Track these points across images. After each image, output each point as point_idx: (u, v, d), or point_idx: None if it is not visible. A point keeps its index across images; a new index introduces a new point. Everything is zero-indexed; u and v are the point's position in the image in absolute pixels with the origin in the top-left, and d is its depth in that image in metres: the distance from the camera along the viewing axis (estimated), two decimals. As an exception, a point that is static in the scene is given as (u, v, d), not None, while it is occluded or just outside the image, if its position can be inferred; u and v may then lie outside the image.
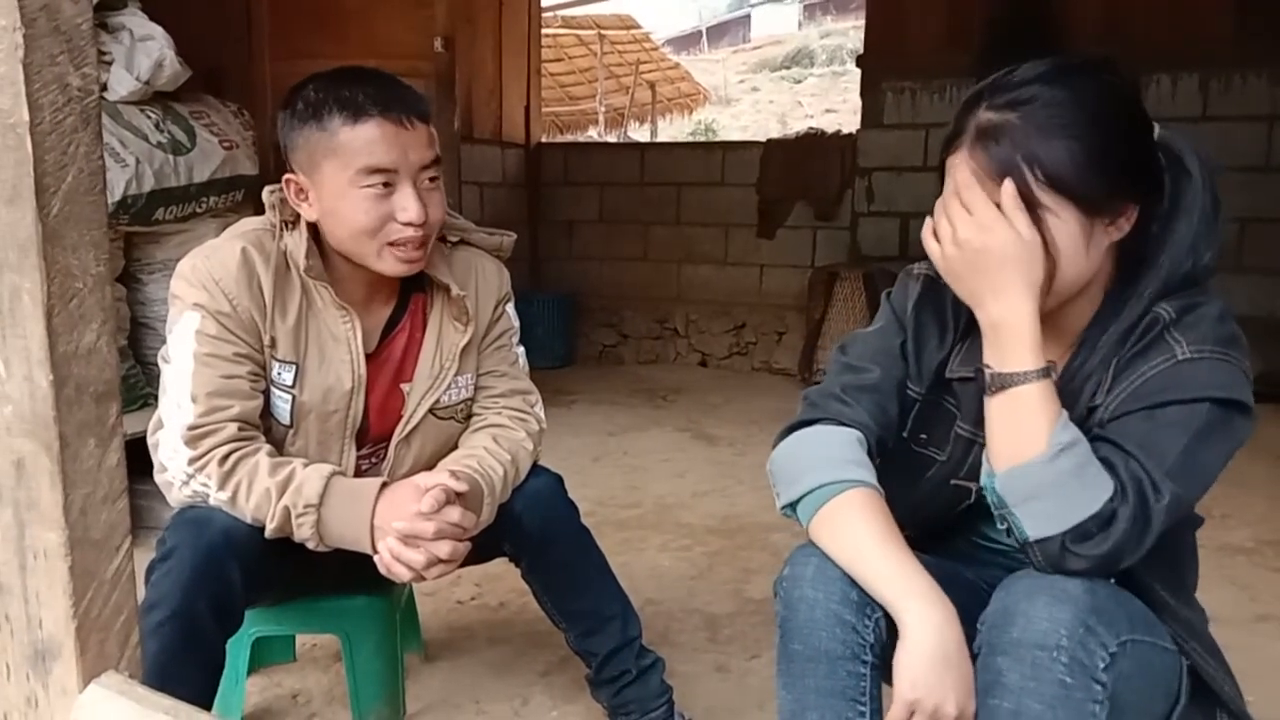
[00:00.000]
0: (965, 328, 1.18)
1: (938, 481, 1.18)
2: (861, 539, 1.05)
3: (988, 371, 1.03)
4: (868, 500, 1.08)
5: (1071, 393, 1.07)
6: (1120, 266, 1.09)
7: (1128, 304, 1.06)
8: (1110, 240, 1.05)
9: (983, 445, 1.14)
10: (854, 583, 1.05)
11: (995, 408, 1.02)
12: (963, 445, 1.17)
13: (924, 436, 1.20)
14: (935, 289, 1.19)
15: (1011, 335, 1.01)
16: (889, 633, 1.07)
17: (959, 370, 1.17)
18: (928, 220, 1.08)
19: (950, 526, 1.23)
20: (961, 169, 1.05)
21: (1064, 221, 1.01)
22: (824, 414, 1.17)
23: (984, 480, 1.04)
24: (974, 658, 1.01)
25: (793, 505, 1.12)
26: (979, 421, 1.14)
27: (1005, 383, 1.01)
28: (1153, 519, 0.96)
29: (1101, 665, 0.93)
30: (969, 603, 1.18)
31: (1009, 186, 0.99)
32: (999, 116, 1.01)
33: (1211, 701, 1.09)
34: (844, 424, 1.15)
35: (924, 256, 1.13)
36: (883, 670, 1.07)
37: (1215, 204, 1.06)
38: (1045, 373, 1.00)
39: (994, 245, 1.00)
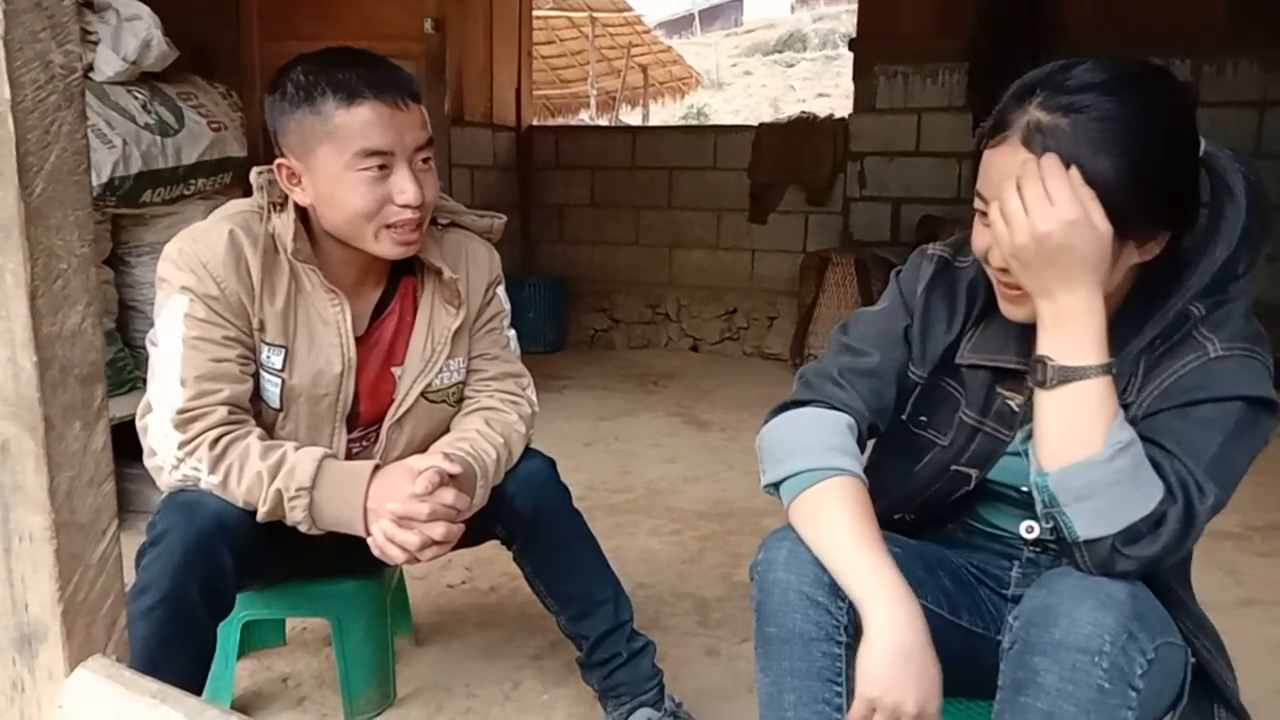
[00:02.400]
0: (978, 315, 1.16)
1: (938, 466, 1.17)
2: (836, 530, 1.04)
3: (1049, 365, 0.98)
4: (848, 490, 1.07)
5: None
6: (1148, 276, 1.06)
7: (1156, 314, 1.04)
8: (1135, 261, 1.02)
9: (987, 433, 1.14)
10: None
11: (1053, 402, 0.99)
12: (966, 432, 1.15)
13: (924, 419, 1.19)
14: (948, 271, 1.18)
15: (1080, 328, 0.97)
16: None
17: (969, 357, 1.15)
18: (995, 203, 1.01)
19: (946, 509, 1.23)
20: (1006, 162, 1.00)
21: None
22: (818, 396, 1.16)
23: (1034, 478, 1.00)
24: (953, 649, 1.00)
25: (776, 485, 1.12)
26: (984, 409, 1.14)
27: (1069, 376, 0.97)
28: (1197, 520, 0.95)
29: (1139, 672, 0.93)
30: (954, 589, 1.19)
31: (1077, 174, 0.95)
32: (1050, 119, 0.97)
33: (1210, 695, 1.09)
34: (836, 408, 1.14)
35: (915, 241, 1.12)
36: (857, 650, 1.08)
37: (1262, 224, 1.01)
38: (1108, 368, 0.97)
39: (1078, 243, 0.95)
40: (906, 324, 1.18)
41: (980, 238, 1.07)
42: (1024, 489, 1.15)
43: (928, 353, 1.17)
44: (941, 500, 1.20)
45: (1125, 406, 1.04)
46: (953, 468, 1.16)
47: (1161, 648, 0.95)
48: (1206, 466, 0.96)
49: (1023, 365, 1.12)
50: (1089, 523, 0.95)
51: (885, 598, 0.99)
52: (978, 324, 1.16)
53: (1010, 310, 1.08)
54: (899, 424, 1.20)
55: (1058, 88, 0.98)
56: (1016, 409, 1.13)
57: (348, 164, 1.33)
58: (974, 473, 1.15)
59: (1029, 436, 1.12)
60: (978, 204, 1.06)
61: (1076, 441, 0.96)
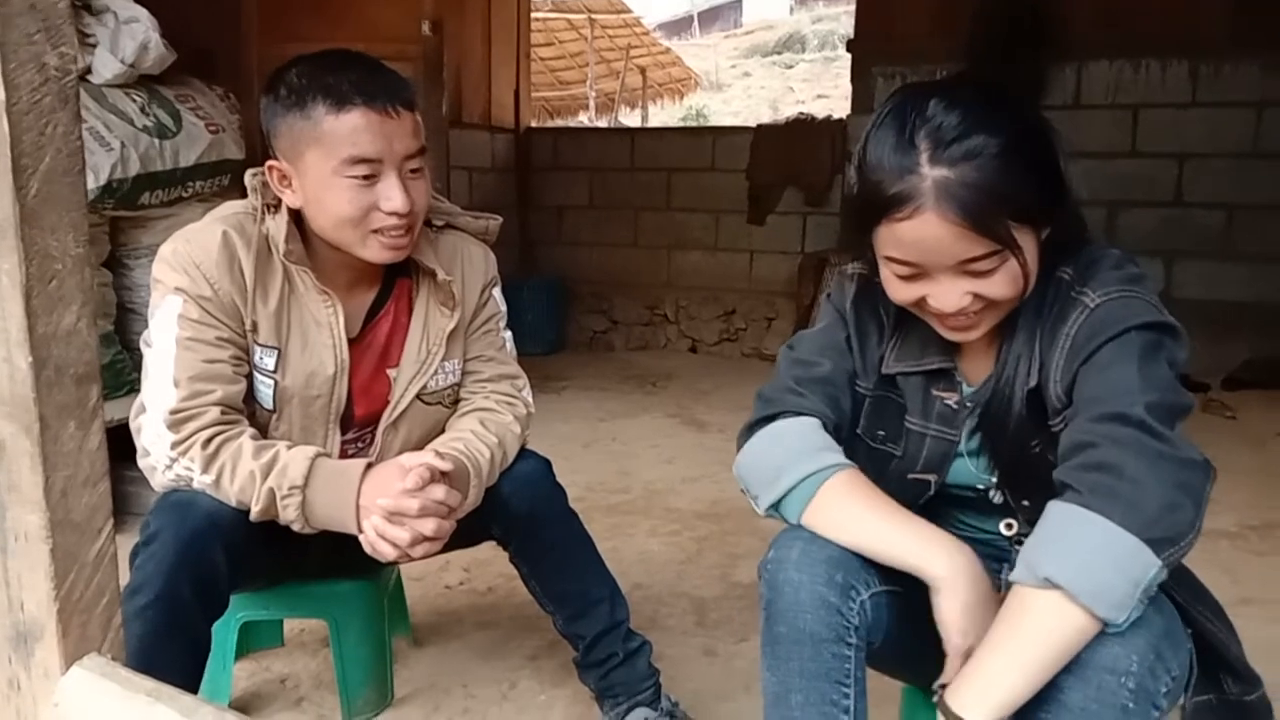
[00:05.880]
0: (894, 323, 1.19)
1: (898, 477, 1.19)
2: (865, 515, 1.07)
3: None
4: (854, 479, 1.09)
5: (1008, 380, 1.09)
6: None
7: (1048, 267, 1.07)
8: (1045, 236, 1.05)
9: (933, 437, 1.17)
10: (839, 565, 1.05)
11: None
12: (915, 439, 1.18)
13: (881, 433, 1.21)
14: (870, 286, 1.20)
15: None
16: (874, 615, 1.08)
17: (895, 366, 1.18)
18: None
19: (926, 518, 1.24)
20: (933, 229, 0.99)
21: (1028, 243, 1.02)
22: (781, 408, 1.17)
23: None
24: None
25: (776, 505, 1.12)
26: (926, 413, 1.17)
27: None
28: (1162, 435, 0.93)
29: (1163, 690, 0.93)
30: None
31: None
32: (955, 172, 0.97)
33: (1215, 664, 1.09)
34: (803, 414, 1.16)
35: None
36: (867, 653, 1.08)
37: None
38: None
39: None
40: (846, 334, 1.21)
41: (903, 291, 1.07)
42: (979, 487, 1.17)
43: (867, 364, 1.20)
44: (909, 509, 1.20)
45: (1035, 390, 1.06)
46: (909, 476, 1.18)
47: (1180, 655, 0.95)
48: (1135, 391, 0.96)
49: (947, 364, 1.15)
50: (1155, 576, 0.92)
51: (942, 551, 1.03)
52: (896, 332, 1.19)
53: (961, 336, 1.09)
54: (859, 441, 1.22)
55: (937, 141, 0.98)
56: (955, 407, 1.15)
57: (335, 169, 1.33)
58: (931, 478, 1.17)
59: (971, 434, 1.15)
60: (900, 269, 1.05)
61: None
